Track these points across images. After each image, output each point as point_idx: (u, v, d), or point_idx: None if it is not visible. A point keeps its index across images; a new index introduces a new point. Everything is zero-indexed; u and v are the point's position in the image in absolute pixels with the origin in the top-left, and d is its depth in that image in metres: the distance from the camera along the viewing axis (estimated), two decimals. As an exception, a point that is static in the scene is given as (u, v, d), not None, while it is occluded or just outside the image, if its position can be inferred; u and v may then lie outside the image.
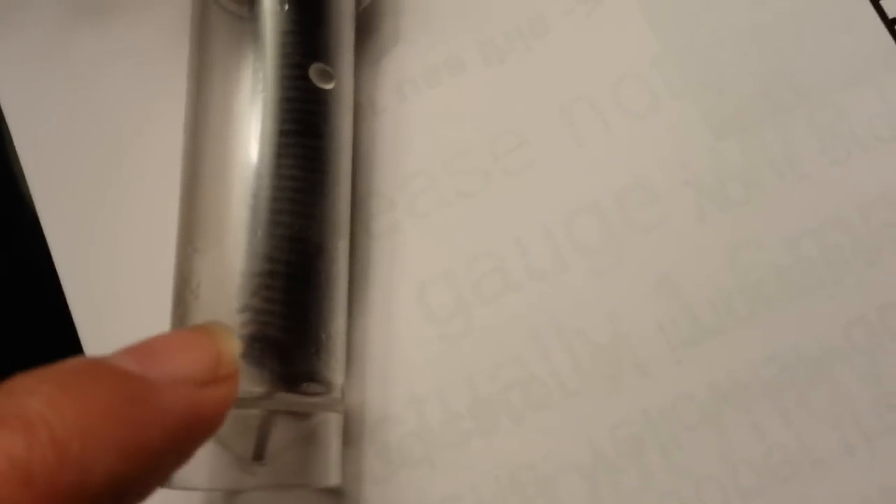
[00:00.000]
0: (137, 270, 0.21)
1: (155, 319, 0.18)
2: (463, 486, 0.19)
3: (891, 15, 0.21)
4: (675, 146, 0.21)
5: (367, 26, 0.21)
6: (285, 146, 0.18)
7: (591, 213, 0.20)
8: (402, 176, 0.21)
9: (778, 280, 0.20)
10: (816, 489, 0.18)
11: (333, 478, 0.18)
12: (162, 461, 0.13)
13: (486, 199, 0.21)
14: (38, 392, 0.12)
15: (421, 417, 0.20)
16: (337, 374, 0.18)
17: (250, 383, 0.17)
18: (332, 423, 0.18)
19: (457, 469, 0.19)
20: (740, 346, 0.19)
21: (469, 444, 0.19)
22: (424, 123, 0.21)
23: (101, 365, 0.13)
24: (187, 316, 0.18)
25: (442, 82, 0.21)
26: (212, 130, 0.18)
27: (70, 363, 0.13)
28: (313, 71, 0.19)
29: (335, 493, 0.19)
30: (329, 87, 0.19)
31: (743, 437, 0.19)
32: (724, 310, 0.20)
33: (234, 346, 0.15)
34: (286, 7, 0.18)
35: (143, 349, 0.14)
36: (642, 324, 0.20)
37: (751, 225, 0.20)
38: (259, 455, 0.17)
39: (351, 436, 0.19)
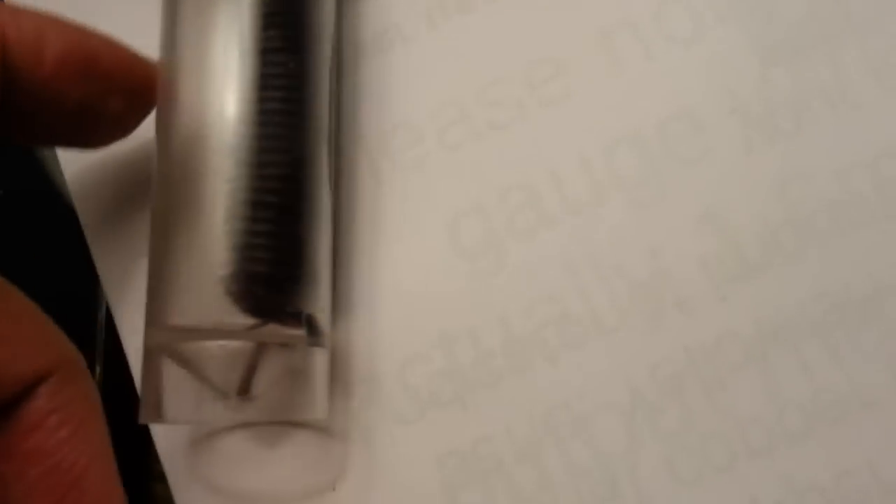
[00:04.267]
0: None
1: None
2: (495, 427, 0.18)
3: (951, -64, 0.20)
4: (721, 74, 0.20)
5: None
6: (270, 64, 0.17)
7: (632, 144, 0.19)
8: (432, 107, 0.20)
9: (829, 214, 0.19)
10: (867, 431, 0.17)
11: (320, 411, 0.17)
12: None
13: (520, 130, 0.20)
14: None
15: (451, 356, 0.19)
16: (323, 308, 0.18)
17: (236, 315, 0.16)
18: (317, 357, 0.17)
19: (489, 409, 0.18)
20: (788, 282, 0.18)
21: (502, 384, 0.19)
22: (455, 52, 0.20)
23: None
24: (168, 251, 0.17)
25: (476, 8, 0.20)
26: (186, 51, 0.18)
27: None
28: None
29: (357, 434, 0.19)
30: None
31: (790, 377, 0.18)
32: (771, 245, 0.19)
33: None
34: None
35: None
36: (684, 259, 0.19)
37: (800, 157, 0.19)
38: (244, 389, 0.17)
39: (374, 374, 0.19)
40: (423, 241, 0.20)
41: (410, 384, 0.19)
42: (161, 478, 0.20)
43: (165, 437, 0.20)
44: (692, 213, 0.19)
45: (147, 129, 0.19)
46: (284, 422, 0.18)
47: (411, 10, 0.21)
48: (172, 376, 0.17)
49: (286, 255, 0.17)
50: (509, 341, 0.19)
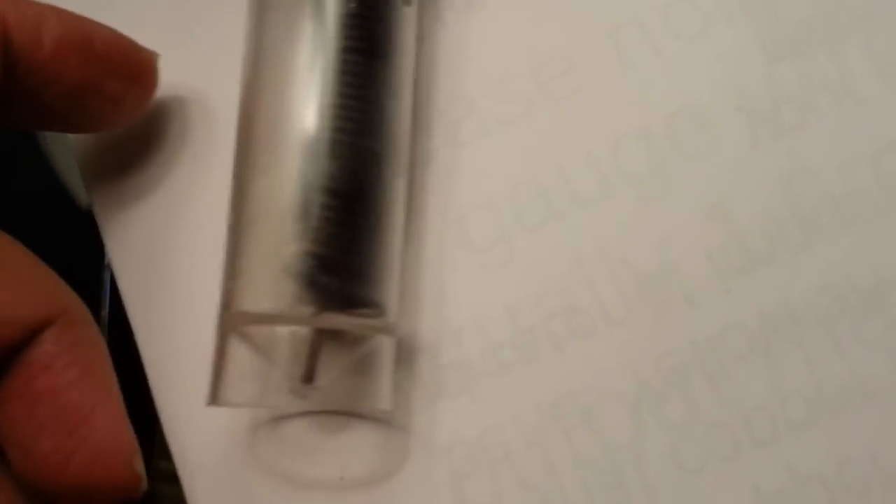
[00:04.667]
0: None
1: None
2: (504, 416, 0.19)
3: (956, -67, 0.20)
4: (728, 70, 0.20)
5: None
6: (350, 63, 0.18)
7: (640, 139, 0.20)
8: (441, 104, 0.21)
9: (832, 208, 0.19)
10: (869, 421, 0.18)
11: (385, 402, 0.18)
12: None
13: (529, 126, 0.20)
14: None
15: (460, 348, 0.19)
16: (391, 298, 0.18)
17: (301, 301, 0.17)
18: (384, 347, 0.18)
19: (497, 399, 0.19)
20: (793, 275, 0.19)
21: (510, 374, 0.19)
22: (464, 49, 0.21)
23: None
24: (241, 238, 0.17)
25: (486, 5, 0.21)
26: (272, 47, 0.18)
27: None
28: None
29: (378, 422, 0.19)
30: (409, 7, 0.18)
31: (794, 368, 0.18)
32: (776, 238, 0.19)
33: None
34: None
35: None
36: (691, 252, 0.19)
37: (805, 151, 0.19)
38: (309, 377, 0.17)
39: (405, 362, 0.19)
40: (433, 234, 0.20)
41: (420, 375, 0.19)
42: (166, 477, 0.20)
43: (178, 433, 0.20)
44: (699, 207, 0.19)
45: (160, 122, 0.19)
46: (347, 412, 0.19)
47: (423, 10, 0.21)
48: (240, 360, 0.17)
49: (355, 245, 0.17)
50: (518, 332, 0.19)
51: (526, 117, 0.20)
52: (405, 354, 0.19)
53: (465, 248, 0.20)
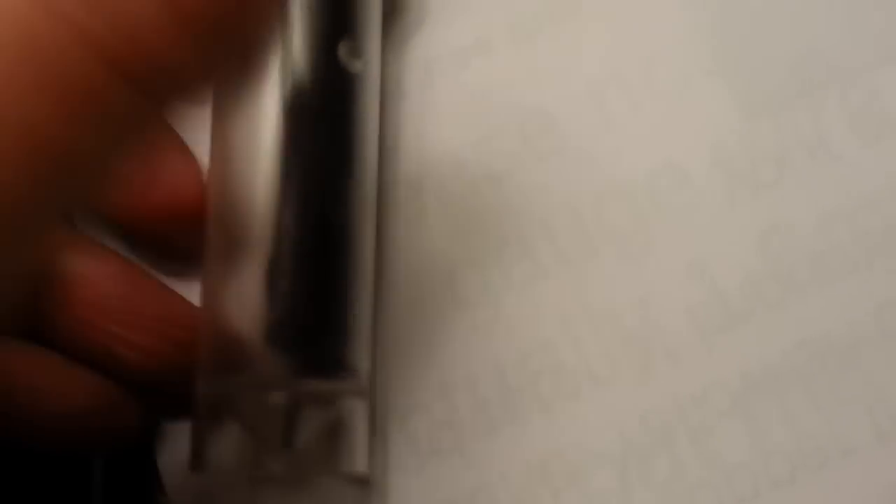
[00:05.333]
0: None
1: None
2: (493, 476, 0.19)
3: (926, -11, 0.21)
4: (706, 127, 0.20)
5: (392, 5, 0.21)
6: (312, 128, 0.18)
7: (621, 196, 0.20)
8: (428, 160, 0.21)
9: (809, 264, 0.19)
10: (848, 478, 0.18)
11: (360, 465, 0.18)
12: None
13: (515, 182, 0.20)
14: None
15: (450, 406, 0.20)
16: (363, 359, 0.18)
17: (277, 368, 0.17)
18: (359, 410, 0.18)
19: (487, 458, 0.19)
20: (771, 331, 0.19)
21: (499, 433, 0.19)
22: (451, 106, 0.21)
23: None
24: (213, 306, 0.18)
25: (470, 64, 0.21)
26: (236, 112, 0.18)
27: None
28: (343, 48, 0.18)
29: (364, 483, 0.19)
30: (358, 65, 0.18)
31: (774, 425, 0.19)
32: (754, 295, 0.19)
33: None
34: None
35: None
36: (673, 309, 0.20)
37: (782, 208, 0.20)
38: (286, 441, 0.17)
39: (377, 424, 0.19)
40: (422, 292, 0.20)
41: (412, 433, 0.19)
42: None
43: (173, 476, 0.20)
44: (679, 263, 0.20)
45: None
46: (324, 472, 0.19)
47: (409, 65, 0.21)
48: (217, 427, 0.17)
49: (325, 310, 0.18)
50: (505, 391, 0.19)
51: (511, 174, 0.21)
52: (383, 415, 0.19)
53: (454, 305, 0.20)
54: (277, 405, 0.17)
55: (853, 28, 0.20)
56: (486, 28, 0.21)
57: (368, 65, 0.19)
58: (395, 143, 0.21)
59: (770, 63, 0.20)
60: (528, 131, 0.21)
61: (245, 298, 0.18)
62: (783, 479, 0.18)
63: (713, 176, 0.20)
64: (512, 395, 0.19)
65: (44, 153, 0.11)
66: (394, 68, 0.21)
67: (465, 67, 0.21)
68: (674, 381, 0.19)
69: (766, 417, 0.19)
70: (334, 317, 0.18)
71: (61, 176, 0.11)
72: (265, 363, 0.17)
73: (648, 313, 0.20)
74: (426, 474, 0.19)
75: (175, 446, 0.20)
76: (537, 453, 0.19)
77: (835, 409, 0.19)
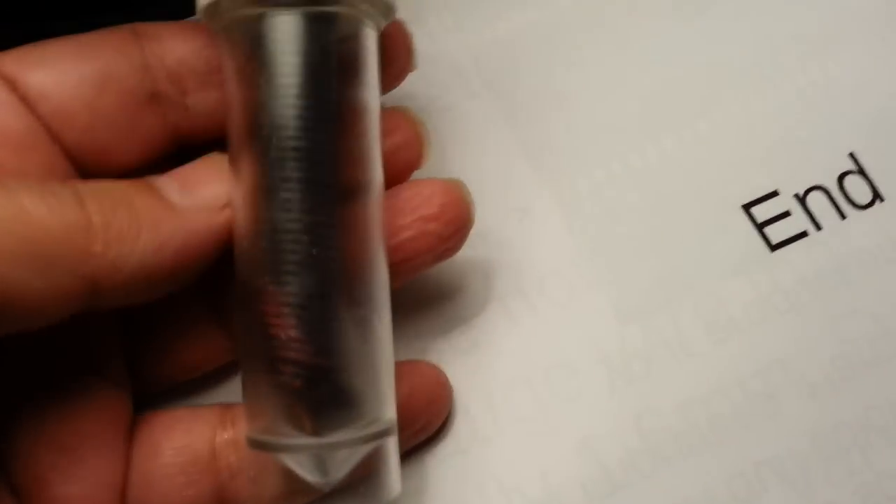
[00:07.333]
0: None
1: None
2: None
3: (759, 220, 0.27)
4: (590, 330, 0.25)
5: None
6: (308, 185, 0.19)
7: (525, 386, 0.25)
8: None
9: (674, 441, 0.24)
10: None
11: (394, 491, 0.20)
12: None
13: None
14: None
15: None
16: (389, 409, 0.20)
17: (305, 428, 0.19)
18: (389, 444, 0.20)
19: None
20: (645, 498, 0.24)
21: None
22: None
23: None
24: (245, 367, 0.20)
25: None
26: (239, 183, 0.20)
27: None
28: None
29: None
30: None
31: (648, 576, 0.23)
32: (631, 467, 0.24)
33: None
34: None
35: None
36: (567, 480, 0.24)
37: (650, 395, 0.25)
38: (323, 479, 0.19)
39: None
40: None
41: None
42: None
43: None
44: (571, 441, 0.24)
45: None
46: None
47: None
48: (261, 473, 0.19)
49: (353, 371, 0.19)
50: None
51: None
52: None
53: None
54: (313, 451, 0.19)
55: (704, 250, 0.26)
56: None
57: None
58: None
59: (639, 279, 0.26)
60: (451, 333, 0.26)
61: (268, 368, 0.19)
62: None
63: (596, 370, 0.25)
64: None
65: None
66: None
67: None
68: (569, 543, 0.23)
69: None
70: (359, 379, 0.19)
71: None
72: (291, 429, 0.19)
73: (549, 483, 0.24)
74: None
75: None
76: None
77: (696, 562, 0.23)
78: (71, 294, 0.17)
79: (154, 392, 0.23)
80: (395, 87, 0.23)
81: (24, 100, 0.19)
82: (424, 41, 0.27)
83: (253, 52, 0.18)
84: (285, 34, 0.18)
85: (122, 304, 0.19)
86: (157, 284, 0.19)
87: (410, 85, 0.24)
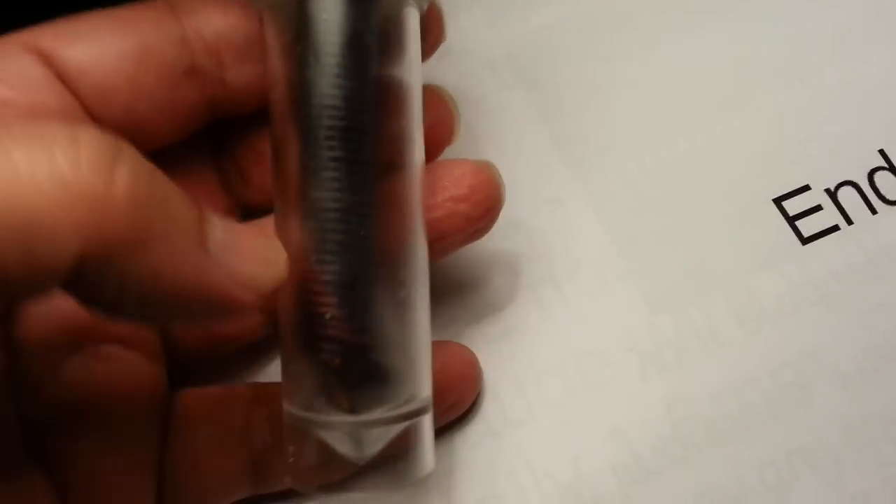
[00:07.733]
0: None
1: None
2: None
3: (791, 214, 0.27)
4: (621, 319, 0.26)
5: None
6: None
7: (556, 373, 0.25)
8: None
9: (705, 429, 0.24)
10: None
11: (428, 467, 0.20)
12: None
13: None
14: None
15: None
16: (425, 387, 0.20)
17: (342, 406, 0.19)
18: (424, 421, 0.20)
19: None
20: (676, 485, 0.24)
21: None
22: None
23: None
24: (284, 345, 0.20)
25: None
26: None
27: None
28: None
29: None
30: None
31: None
32: (662, 454, 0.24)
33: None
34: None
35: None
36: (598, 465, 0.24)
37: (682, 384, 0.25)
38: (359, 457, 0.19)
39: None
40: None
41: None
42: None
43: None
44: (602, 428, 0.25)
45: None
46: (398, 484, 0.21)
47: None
48: (301, 441, 0.19)
49: (391, 350, 0.19)
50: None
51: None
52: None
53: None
54: (349, 429, 0.19)
55: (735, 242, 0.26)
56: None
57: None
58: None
59: (670, 270, 0.26)
60: (482, 319, 0.26)
61: (308, 346, 0.19)
62: None
63: (628, 359, 0.25)
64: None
65: None
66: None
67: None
68: (599, 526, 0.24)
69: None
70: (395, 358, 0.19)
71: None
72: (330, 406, 0.19)
73: (579, 468, 0.24)
74: None
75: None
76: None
77: (727, 548, 0.23)
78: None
79: (189, 366, 0.23)
80: (427, 58, 0.22)
81: (62, 77, 0.19)
82: (456, 36, 0.27)
83: (299, 31, 0.19)
84: (331, 14, 0.19)
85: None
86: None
87: (443, 77, 0.25)
